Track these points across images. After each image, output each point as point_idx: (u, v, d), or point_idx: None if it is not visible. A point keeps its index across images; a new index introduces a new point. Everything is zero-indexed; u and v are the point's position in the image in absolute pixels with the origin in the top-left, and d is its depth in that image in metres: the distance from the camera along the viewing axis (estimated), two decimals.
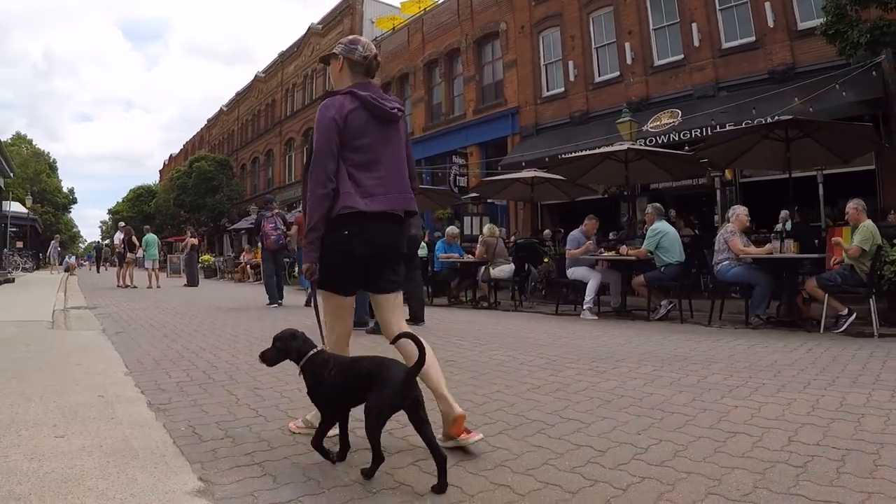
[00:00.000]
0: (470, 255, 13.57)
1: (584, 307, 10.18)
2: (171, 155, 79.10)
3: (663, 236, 9.73)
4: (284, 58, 44.03)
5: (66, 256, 51.21)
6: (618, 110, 19.19)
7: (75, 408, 4.07)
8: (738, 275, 8.92)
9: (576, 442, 3.42)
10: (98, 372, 5.36)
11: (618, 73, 20.65)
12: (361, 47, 3.59)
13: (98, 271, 44.88)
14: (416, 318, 9.16)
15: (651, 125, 18.20)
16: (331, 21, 37.29)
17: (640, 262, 10.17)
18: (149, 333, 8.19)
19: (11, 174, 22.98)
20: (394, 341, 3.29)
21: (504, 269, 12.13)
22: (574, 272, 10.62)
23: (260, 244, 14.48)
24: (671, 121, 17.95)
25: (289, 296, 14.17)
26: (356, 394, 3.01)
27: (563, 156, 18.47)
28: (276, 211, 14.04)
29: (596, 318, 10.04)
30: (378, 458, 2.88)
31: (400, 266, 3.63)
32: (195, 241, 24.73)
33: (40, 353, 6.34)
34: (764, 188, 16.12)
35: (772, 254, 8.72)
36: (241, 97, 53.47)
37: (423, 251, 14.54)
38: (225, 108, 57.69)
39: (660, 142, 17.39)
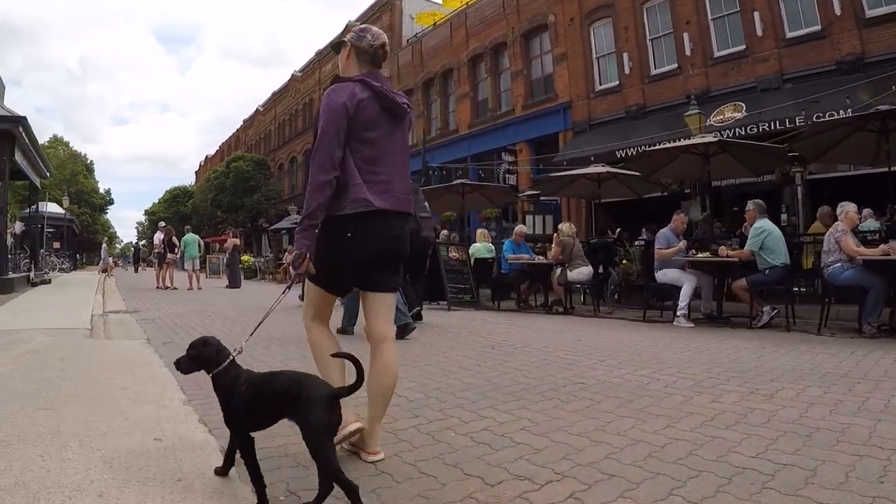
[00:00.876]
0: (539, 256, 12.82)
1: (679, 313, 9.21)
2: (206, 156, 79.28)
3: (767, 235, 8.76)
4: (321, 56, 43.44)
5: (103, 257, 51.43)
6: (676, 104, 18.85)
7: (126, 459, 3.05)
8: (852, 278, 8.01)
9: (821, 499, 2.65)
10: (149, 399, 4.33)
11: (675, 66, 19.71)
12: (370, 35, 3.45)
13: (136, 271, 44.94)
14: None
15: (714, 119, 17.29)
16: (369, 18, 36.56)
17: (736, 264, 9.42)
18: None
19: (48, 175, 22.68)
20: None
21: (582, 272, 11.26)
22: (665, 275, 9.68)
23: None
24: (735, 114, 17.08)
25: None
26: (269, 414, 2.73)
27: (621, 152, 18.14)
28: None
29: (692, 325, 9.12)
30: (350, 487, 2.44)
31: (399, 267, 3.54)
32: (237, 241, 24.29)
33: (77, 370, 5.29)
34: (830, 185, 15.26)
35: (888, 255, 7.93)
36: (277, 97, 53.08)
37: (489, 253, 13.90)
38: (261, 109, 57.41)
39: (725, 136, 16.34)
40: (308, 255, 3.20)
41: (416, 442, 3.51)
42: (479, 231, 14.15)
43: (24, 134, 15.46)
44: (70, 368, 5.39)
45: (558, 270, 11.51)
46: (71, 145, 72.86)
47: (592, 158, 18.42)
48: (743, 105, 17.01)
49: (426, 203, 9.53)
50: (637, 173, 13.83)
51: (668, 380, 5.09)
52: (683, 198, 18.52)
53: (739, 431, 3.62)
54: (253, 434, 2.72)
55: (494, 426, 3.79)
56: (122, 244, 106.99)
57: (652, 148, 14.48)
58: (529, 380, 5.15)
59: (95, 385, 4.75)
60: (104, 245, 37.53)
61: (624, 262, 12.42)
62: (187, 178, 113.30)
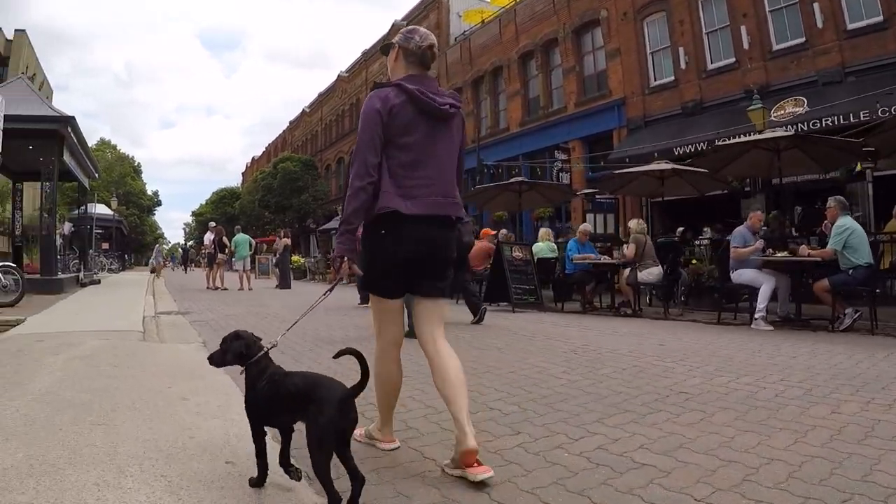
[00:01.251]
0: (604, 256, 12.56)
1: (757, 316, 8.91)
2: (253, 158, 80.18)
3: (851, 233, 8.39)
4: (368, 56, 43.59)
5: (151, 258, 51.99)
6: (735, 99, 18.46)
7: (196, 489, 2.69)
8: None
9: None
10: (214, 413, 3.94)
11: (733, 60, 19.18)
12: (418, 37, 3.44)
13: (185, 271, 45.48)
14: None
15: (775, 114, 16.75)
16: (415, 17, 36.55)
17: (814, 264, 9.09)
18: None
19: (96, 175, 23.02)
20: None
21: (652, 272, 10.95)
22: (741, 275, 9.33)
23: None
24: (797, 109, 16.58)
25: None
26: (285, 412, 2.78)
27: (679, 149, 17.80)
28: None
29: (771, 328, 8.79)
30: (333, 498, 2.45)
31: (445, 272, 3.49)
32: (288, 241, 24.25)
33: (132, 378, 4.98)
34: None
35: None
36: (324, 98, 53.41)
37: (552, 252, 13.68)
38: (308, 110, 57.82)
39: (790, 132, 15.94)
40: (346, 259, 3.28)
41: (527, 464, 3.25)
42: (542, 230, 13.89)
43: (72, 134, 15.54)
44: (124, 376, 5.09)
45: (626, 271, 11.25)
46: (118, 148, 74.28)
47: (656, 155, 18.27)
48: (804, 100, 16.47)
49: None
50: (703, 170, 13.40)
51: (776, 388, 4.86)
52: (744, 196, 18.14)
53: (874, 446, 3.41)
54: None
55: (608, 444, 3.56)
56: (170, 245, 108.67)
57: (724, 142, 14.05)
58: (628, 389, 4.95)
59: (153, 395, 4.42)
60: (158, 245, 36.57)
61: (693, 262, 12.06)
62: (233, 180, 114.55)
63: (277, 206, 46.02)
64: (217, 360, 3.01)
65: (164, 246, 69.33)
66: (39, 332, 7.56)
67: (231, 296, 17.39)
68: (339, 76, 49.08)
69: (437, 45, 3.56)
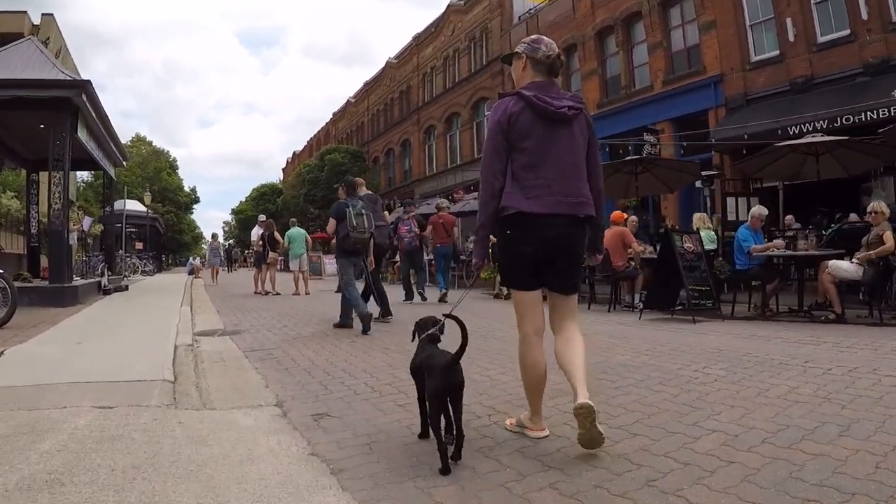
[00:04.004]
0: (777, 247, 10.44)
1: None
2: (294, 152, 78.72)
3: None
4: (420, 40, 41.73)
5: (190, 258, 50.53)
6: (851, 74, 16.83)
7: None
8: None
9: None
10: None
11: (848, 32, 17.22)
12: (545, 46, 3.66)
13: (229, 271, 43.96)
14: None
15: None
16: None
17: None
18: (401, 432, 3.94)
19: (124, 161, 20.65)
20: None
21: (852, 267, 9.09)
22: None
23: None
24: None
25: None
26: (422, 382, 3.49)
27: (793, 128, 15.94)
28: (413, 213, 14.73)
29: None
30: (440, 446, 3.12)
31: (572, 268, 3.69)
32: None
33: None
34: None
35: None
36: (370, 87, 51.70)
37: (711, 243, 11.72)
38: (353, 100, 56.14)
39: None
40: (483, 262, 3.87)
41: None
42: (696, 215, 11.78)
43: (88, 104, 12.85)
44: None
45: (830, 264, 9.21)
46: (153, 144, 73.15)
47: (746, 136, 16.93)
48: None
49: (386, 213, 10.45)
50: (878, 139, 11.40)
51: None
52: (863, 181, 16.20)
53: None
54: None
55: None
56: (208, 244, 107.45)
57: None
58: None
59: None
60: (211, 239, 30.72)
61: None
62: (273, 177, 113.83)
63: (324, 201, 44.11)
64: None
65: (204, 246, 65.85)
66: None
67: (287, 303, 14.44)
68: (387, 63, 47.26)
69: (562, 54, 3.95)
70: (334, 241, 9.59)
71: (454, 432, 3.22)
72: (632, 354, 6.59)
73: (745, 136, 16.77)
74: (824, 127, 15.02)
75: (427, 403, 3.39)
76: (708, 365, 5.88)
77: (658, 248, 11.67)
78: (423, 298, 13.86)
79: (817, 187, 14.06)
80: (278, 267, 21.61)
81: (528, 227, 3.47)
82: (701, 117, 20.82)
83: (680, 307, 10.40)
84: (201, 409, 4.52)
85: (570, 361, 3.47)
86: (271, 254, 18.69)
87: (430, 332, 3.65)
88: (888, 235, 8.83)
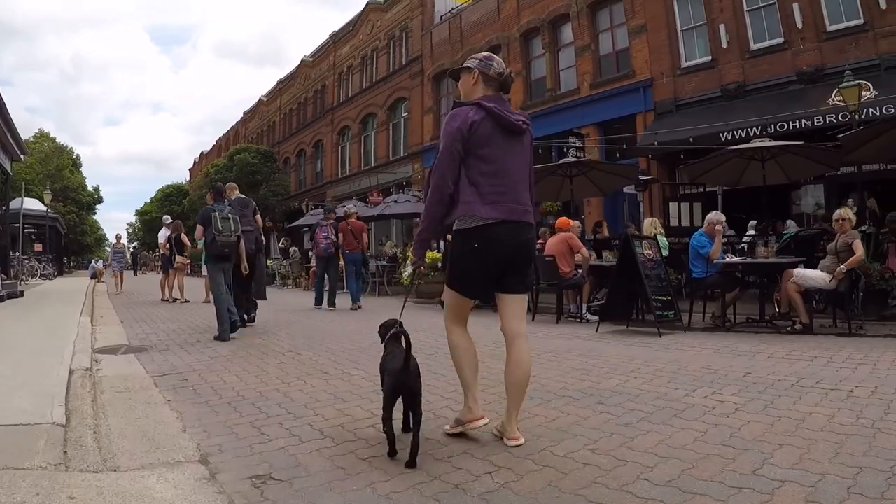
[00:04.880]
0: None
1: None
2: (201, 153, 75.63)
3: None
4: (337, 39, 40.05)
5: (93, 261, 47.66)
6: (785, 82, 16.71)
7: None
8: None
9: None
10: None
11: (781, 40, 17.08)
12: (496, 64, 3.85)
13: (135, 274, 41.45)
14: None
15: (837, 99, 14.30)
16: None
17: None
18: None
19: (21, 155, 18.61)
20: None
21: (817, 274, 8.24)
22: None
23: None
24: (864, 93, 14.35)
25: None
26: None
27: (726, 134, 15.50)
28: (332, 221, 14.74)
29: None
30: (389, 440, 3.45)
31: (526, 270, 3.90)
32: (261, 237, 19.64)
33: None
34: None
35: None
36: (283, 85, 49.61)
37: (664, 250, 10.70)
38: (265, 99, 53.83)
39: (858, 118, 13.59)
40: (422, 263, 4.36)
41: None
42: (648, 220, 10.69)
43: None
44: None
45: (795, 272, 8.34)
46: (57, 140, 68.88)
47: (691, 140, 16.13)
48: (870, 85, 14.32)
49: (258, 215, 10.75)
50: (835, 145, 10.71)
51: None
52: (793, 188, 15.93)
53: None
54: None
55: None
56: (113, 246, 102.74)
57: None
58: None
59: None
60: (115, 241, 25.97)
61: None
62: (179, 179, 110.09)
63: None
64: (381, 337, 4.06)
65: (107, 249, 60.13)
66: None
67: (198, 312, 12.70)
68: (302, 61, 45.36)
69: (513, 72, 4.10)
70: (199, 246, 9.45)
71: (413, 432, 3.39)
72: (619, 377, 5.66)
73: (691, 140, 16.00)
74: (758, 133, 14.65)
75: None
76: (715, 389, 5.07)
77: (613, 254, 10.62)
78: (332, 305, 14.02)
79: (746, 194, 13.59)
80: (186, 272, 19.69)
81: (496, 236, 3.61)
82: (628, 121, 20.09)
83: (633, 319, 9.43)
84: (101, 471, 3.31)
85: (515, 383, 3.73)
86: (178, 258, 16.77)
87: (392, 331, 3.84)
88: (857, 245, 8.17)
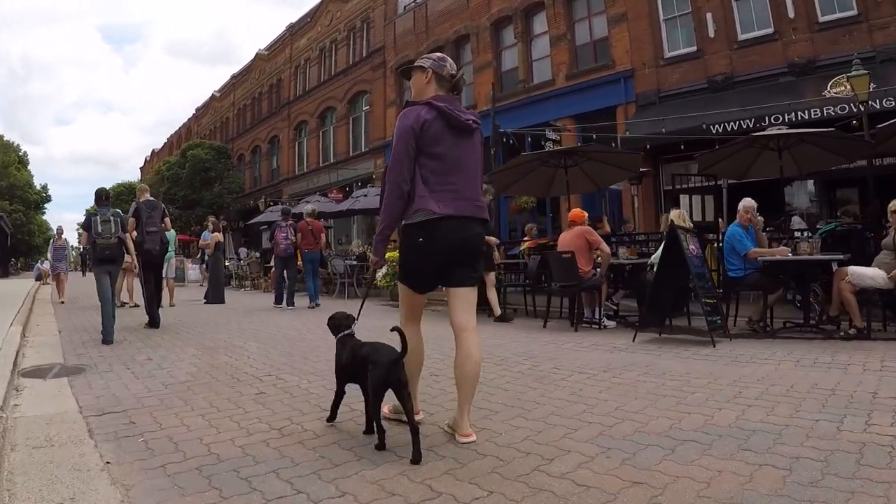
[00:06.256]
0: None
1: None
2: (153, 150, 73.20)
3: None
4: (294, 31, 38.43)
5: (39, 262, 45.50)
6: (775, 73, 16.15)
7: None
8: None
9: None
10: None
11: (771, 30, 16.42)
12: (449, 65, 3.92)
13: (84, 274, 39.36)
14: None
15: (833, 91, 14.02)
16: None
17: None
18: None
19: None
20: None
21: (879, 272, 7.14)
22: None
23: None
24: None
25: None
26: (356, 373, 3.77)
27: (716, 126, 15.04)
28: (290, 222, 14.84)
29: None
30: (379, 429, 3.58)
31: (475, 264, 3.93)
32: (220, 236, 17.86)
33: None
34: None
35: None
36: (237, 80, 47.64)
37: None
38: (217, 94, 51.80)
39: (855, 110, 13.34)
40: (382, 261, 4.17)
41: None
42: (675, 212, 9.17)
43: None
44: None
45: (850, 270, 7.19)
46: (3, 137, 66.04)
47: (664, 130, 16.01)
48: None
49: (167, 218, 10.52)
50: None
51: None
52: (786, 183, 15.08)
53: None
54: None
55: None
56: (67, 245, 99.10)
57: None
58: None
59: None
60: (56, 236, 20.40)
61: None
62: (131, 178, 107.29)
63: (186, 201, 39.83)
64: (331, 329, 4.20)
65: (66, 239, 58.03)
66: None
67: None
68: (257, 55, 43.48)
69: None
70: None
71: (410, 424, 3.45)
72: (728, 407, 4.38)
73: (707, 126, 15.08)
74: (751, 126, 14.10)
75: (371, 394, 3.60)
76: (867, 419, 3.92)
77: (630, 251, 9.22)
78: (291, 304, 14.12)
79: (742, 188, 12.75)
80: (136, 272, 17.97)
81: (441, 227, 3.66)
82: (608, 114, 18.92)
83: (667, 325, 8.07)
84: None
85: (465, 377, 3.73)
86: (127, 257, 15.08)
87: (345, 332, 4.06)
88: None
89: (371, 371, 3.53)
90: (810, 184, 16.26)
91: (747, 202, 8.14)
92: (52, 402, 4.89)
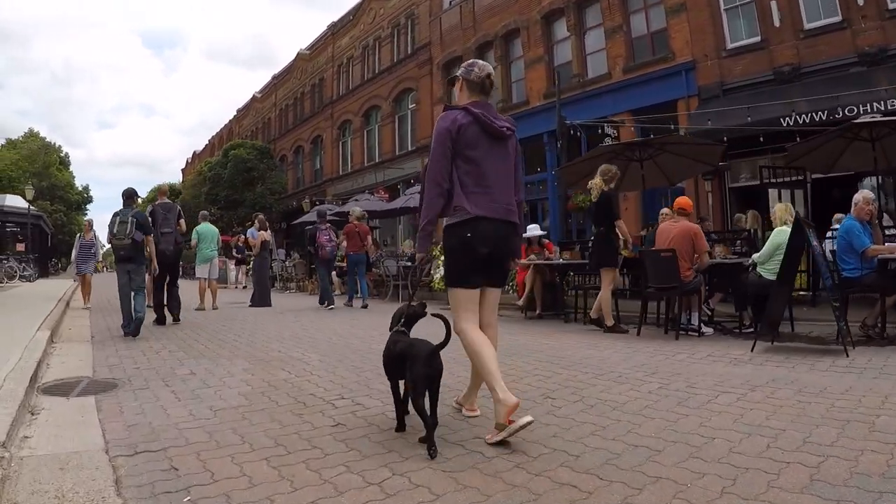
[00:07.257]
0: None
1: None
2: (194, 152, 73.74)
3: None
4: (336, 29, 38.16)
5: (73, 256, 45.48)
6: (844, 63, 15.39)
7: None
8: None
9: None
10: None
11: (839, 18, 15.58)
12: (477, 69, 4.09)
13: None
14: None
15: None
16: None
17: None
18: None
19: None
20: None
21: None
22: None
23: (315, 254, 15.49)
24: None
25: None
26: (399, 368, 3.79)
27: (787, 118, 14.30)
28: (329, 224, 15.45)
29: None
30: (427, 424, 3.49)
31: (504, 265, 4.14)
32: (268, 235, 16.78)
33: None
34: None
35: None
36: (279, 80, 47.62)
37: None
38: (259, 95, 51.85)
39: None
40: (426, 256, 4.31)
41: None
42: (780, 206, 8.45)
43: None
44: None
45: None
46: (45, 138, 66.67)
47: (749, 119, 15.28)
48: None
49: (182, 220, 11.06)
50: None
51: None
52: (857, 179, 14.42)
53: None
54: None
55: None
56: (105, 248, 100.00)
57: None
58: None
59: None
60: (84, 230, 19.29)
61: None
62: (172, 180, 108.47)
63: (228, 202, 39.75)
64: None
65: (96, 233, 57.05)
66: None
67: (191, 323, 10.93)
68: (298, 54, 43.37)
69: (493, 74, 4.19)
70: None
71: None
72: None
73: (792, 118, 14.49)
74: (823, 119, 13.66)
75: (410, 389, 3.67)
76: None
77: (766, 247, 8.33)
78: (332, 304, 14.30)
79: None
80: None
81: (483, 229, 3.85)
82: (668, 107, 18.40)
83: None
84: None
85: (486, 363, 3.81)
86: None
87: (399, 326, 4.06)
88: None
89: (411, 364, 3.61)
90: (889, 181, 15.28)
91: (867, 193, 7.49)
92: (73, 431, 4.04)
